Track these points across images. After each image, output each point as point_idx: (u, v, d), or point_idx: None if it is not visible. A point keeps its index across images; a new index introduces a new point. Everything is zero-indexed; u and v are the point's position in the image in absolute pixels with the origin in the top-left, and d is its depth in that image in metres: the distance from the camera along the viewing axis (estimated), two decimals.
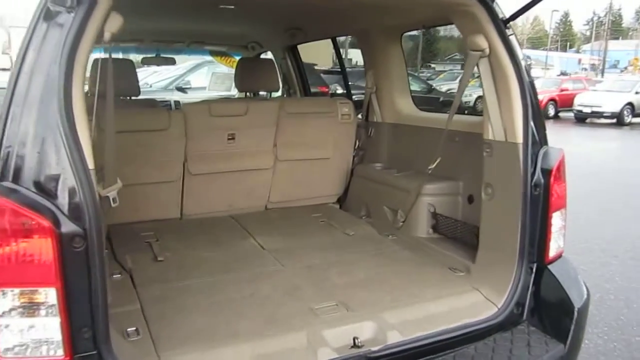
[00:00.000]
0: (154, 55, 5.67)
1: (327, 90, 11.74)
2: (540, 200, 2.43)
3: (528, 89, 2.46)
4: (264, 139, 3.61)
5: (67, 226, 1.61)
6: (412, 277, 2.67)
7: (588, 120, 21.81)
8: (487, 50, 2.48)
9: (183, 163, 3.40)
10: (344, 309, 2.32)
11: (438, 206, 3.16)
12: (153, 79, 17.22)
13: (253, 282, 2.59)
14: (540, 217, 2.45)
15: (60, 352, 1.63)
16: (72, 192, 1.63)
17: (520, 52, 2.49)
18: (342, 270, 2.74)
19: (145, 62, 5.71)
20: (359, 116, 4.01)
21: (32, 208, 1.58)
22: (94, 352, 1.67)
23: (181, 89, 13.05)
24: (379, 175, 3.63)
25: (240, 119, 3.48)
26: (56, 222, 1.59)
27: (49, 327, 1.63)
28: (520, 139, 2.44)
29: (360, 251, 3.02)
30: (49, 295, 1.62)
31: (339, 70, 5.08)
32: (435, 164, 2.98)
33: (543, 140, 2.53)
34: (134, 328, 2.11)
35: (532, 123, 2.46)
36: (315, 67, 13.47)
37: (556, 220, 2.50)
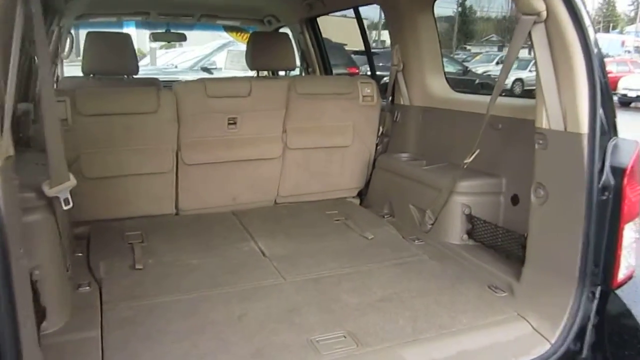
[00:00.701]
0: (163, 31, 5.23)
1: (357, 71, 11.18)
2: (609, 207, 1.91)
3: (597, 65, 1.90)
4: (271, 124, 3.13)
5: None
6: (440, 297, 2.16)
7: (633, 105, 20.61)
8: (544, 14, 1.94)
9: (176, 152, 2.94)
10: (353, 342, 1.83)
11: (474, 207, 2.63)
12: (180, 60, 16.96)
13: (245, 300, 2.12)
14: (608, 228, 1.92)
15: None
16: None
17: (587, 17, 1.92)
18: (355, 285, 2.26)
19: (155, 38, 5.27)
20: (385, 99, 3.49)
21: None
22: None
23: (206, 70, 12.69)
24: (405, 167, 3.11)
25: (242, 100, 2.99)
26: None
27: None
28: (584, 129, 1.91)
29: (380, 260, 2.52)
30: None
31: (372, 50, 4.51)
32: (473, 156, 2.45)
33: (613, 130, 1.98)
34: None
35: (600, 108, 1.91)
36: (346, 48, 12.88)
37: (628, 232, 1.97)
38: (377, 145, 3.50)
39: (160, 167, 2.91)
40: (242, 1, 4.44)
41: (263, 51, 3.96)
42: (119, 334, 1.86)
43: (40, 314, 1.81)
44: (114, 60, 3.69)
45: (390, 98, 3.41)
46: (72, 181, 1.89)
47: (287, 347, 1.81)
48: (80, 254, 2.52)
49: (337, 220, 3.04)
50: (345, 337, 1.86)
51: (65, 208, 1.88)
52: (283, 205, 3.34)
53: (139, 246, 2.59)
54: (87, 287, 2.20)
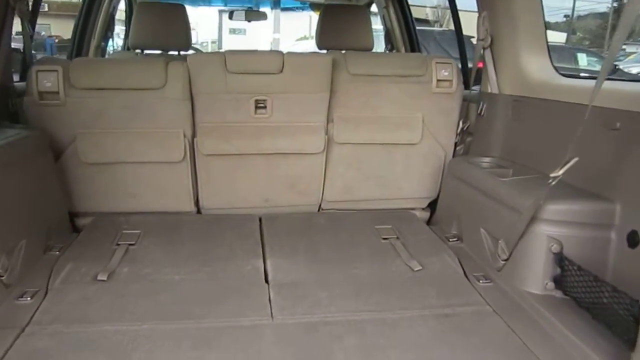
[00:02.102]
0: (245, 8, 4.81)
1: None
2: None
3: None
4: (312, 111, 2.49)
5: None
6: None
7: None
8: None
9: (191, 138, 2.43)
10: None
11: (568, 244, 1.78)
12: (302, 48, 17.02)
13: (202, 344, 1.54)
14: None
15: None
16: None
17: None
18: (364, 343, 1.56)
19: (234, 16, 4.87)
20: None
21: None
22: None
23: None
24: (478, 176, 2.29)
25: (272, 78, 2.39)
26: None
27: None
28: None
29: (418, 306, 1.79)
30: None
31: None
32: (567, 167, 1.63)
33: None
34: None
35: None
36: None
37: None
38: (455, 144, 2.72)
39: (170, 156, 2.41)
40: None
41: (334, 27, 3.33)
42: None
43: None
44: (164, 34, 3.29)
45: (474, 83, 2.61)
46: None
47: None
48: (57, 252, 2.10)
49: (386, 238, 2.32)
50: None
51: None
52: (327, 214, 2.69)
53: (124, 249, 2.11)
54: (29, 299, 1.76)
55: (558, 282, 1.78)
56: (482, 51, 2.47)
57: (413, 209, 2.78)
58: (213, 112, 2.40)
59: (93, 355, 1.47)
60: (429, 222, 2.77)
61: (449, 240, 2.36)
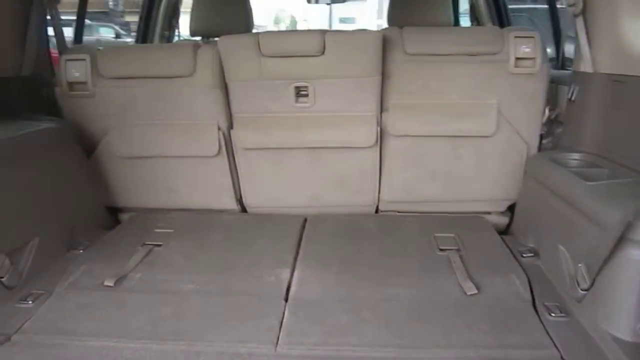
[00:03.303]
0: None
1: None
2: None
3: None
4: (361, 98, 2.16)
5: None
6: None
7: None
8: None
9: (227, 130, 2.21)
10: None
11: None
12: None
13: None
14: None
15: None
16: None
17: None
18: None
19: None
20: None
21: None
22: None
23: None
24: (561, 178, 1.82)
25: (313, 61, 2.09)
26: None
27: None
28: None
29: (460, 345, 1.41)
30: None
31: None
32: None
33: None
34: None
35: None
36: None
37: None
38: (541, 137, 2.25)
39: (204, 150, 2.21)
40: None
41: (407, 1, 2.94)
42: None
43: None
44: (223, 19, 3.10)
45: (562, 62, 2.12)
46: None
47: None
48: (81, 251, 1.99)
49: (444, 250, 1.94)
50: None
51: None
52: (380, 217, 2.35)
53: (147, 250, 1.95)
54: (30, 303, 1.64)
55: None
56: (573, 19, 1.98)
57: (489, 212, 2.36)
58: (249, 101, 2.16)
59: None
60: (507, 229, 2.33)
61: (523, 256, 1.92)
